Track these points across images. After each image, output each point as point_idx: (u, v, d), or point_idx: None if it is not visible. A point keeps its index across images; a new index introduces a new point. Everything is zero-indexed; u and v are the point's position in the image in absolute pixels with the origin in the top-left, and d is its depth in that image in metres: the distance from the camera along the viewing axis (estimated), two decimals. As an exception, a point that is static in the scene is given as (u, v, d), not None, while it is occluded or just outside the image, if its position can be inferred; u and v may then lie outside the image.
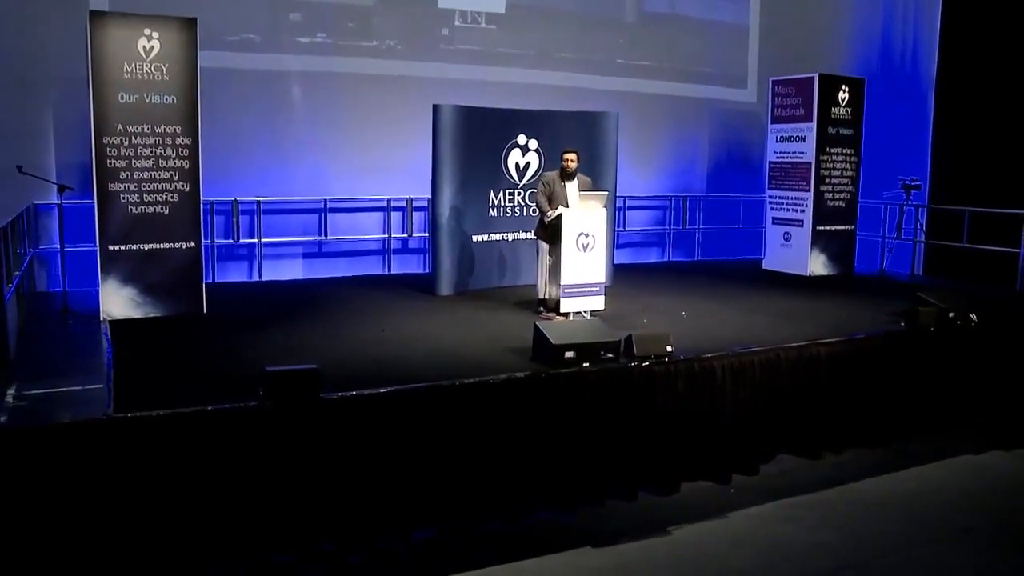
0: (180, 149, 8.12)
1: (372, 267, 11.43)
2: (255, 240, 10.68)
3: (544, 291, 8.41)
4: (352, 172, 11.13)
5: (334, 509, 5.40)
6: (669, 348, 6.55)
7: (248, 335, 7.44)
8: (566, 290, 7.95)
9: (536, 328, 6.47)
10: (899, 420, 7.73)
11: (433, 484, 5.68)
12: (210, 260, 10.37)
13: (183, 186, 8.17)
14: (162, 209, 8.10)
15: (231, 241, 10.58)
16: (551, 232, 8.21)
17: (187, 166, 8.16)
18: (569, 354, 6.20)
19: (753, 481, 6.93)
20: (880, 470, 7.23)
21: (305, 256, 11.15)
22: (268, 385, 5.38)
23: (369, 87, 11.18)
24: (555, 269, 8.13)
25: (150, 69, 7.92)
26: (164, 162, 8.06)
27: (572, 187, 8.32)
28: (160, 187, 8.08)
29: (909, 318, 8.09)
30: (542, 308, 8.40)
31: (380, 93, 11.21)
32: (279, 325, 7.84)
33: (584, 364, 6.22)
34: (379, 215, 11.38)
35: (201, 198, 8.31)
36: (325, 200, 11.00)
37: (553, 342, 6.22)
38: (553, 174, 8.40)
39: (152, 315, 8.08)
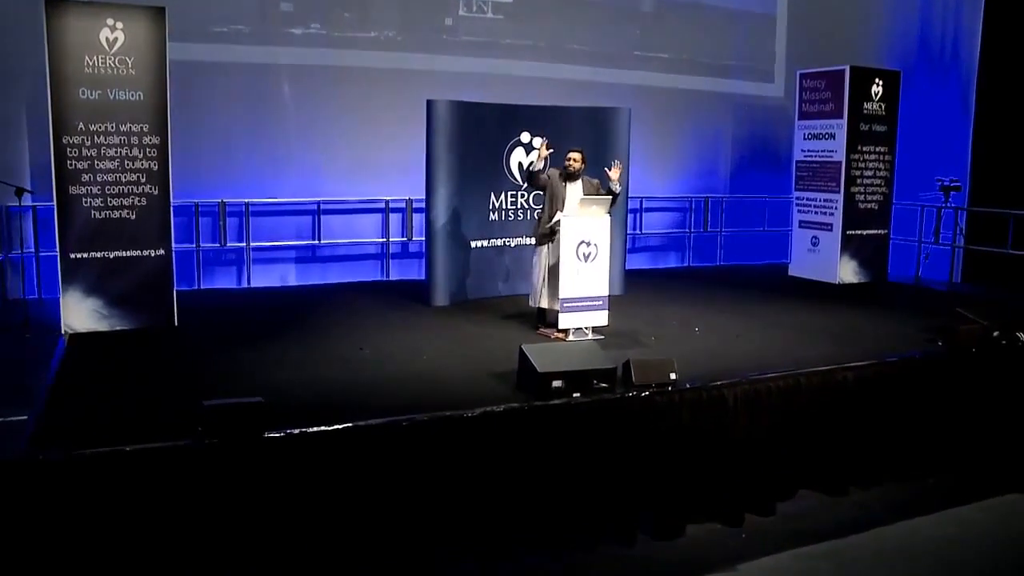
0: (148, 149, 7.50)
1: (370, 272, 10.78)
2: (244, 244, 10.04)
3: (543, 304, 7.67)
4: (348, 172, 10.47)
5: (279, 559, 4.72)
6: (673, 376, 5.80)
7: (215, 353, 6.80)
8: (565, 305, 7.22)
9: (521, 352, 5.74)
10: (936, 453, 6.92)
11: (395, 527, 4.99)
12: (196, 265, 9.78)
13: (151, 189, 7.55)
14: (128, 214, 7.50)
15: (218, 245, 9.95)
16: (549, 238, 7.48)
17: (155, 167, 7.54)
18: (557, 383, 5.47)
19: (769, 523, 6.15)
20: (913, 511, 6.41)
21: (298, 261, 10.51)
22: (206, 422, 4.72)
23: (366, 81, 10.51)
24: (555, 280, 7.40)
25: (114, 63, 7.29)
26: (130, 163, 7.45)
27: (574, 190, 7.59)
28: (126, 190, 7.46)
29: (948, 337, 7.27)
30: (540, 324, 7.67)
31: (378, 87, 10.53)
32: (251, 341, 7.17)
33: (574, 395, 5.49)
34: (377, 217, 10.70)
35: (171, 202, 7.71)
36: (319, 202, 10.35)
37: (539, 370, 5.49)
38: (555, 172, 7.66)
39: (119, 328, 7.47)
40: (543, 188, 7.63)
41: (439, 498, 5.06)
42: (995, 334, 7.30)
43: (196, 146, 9.73)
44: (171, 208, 7.69)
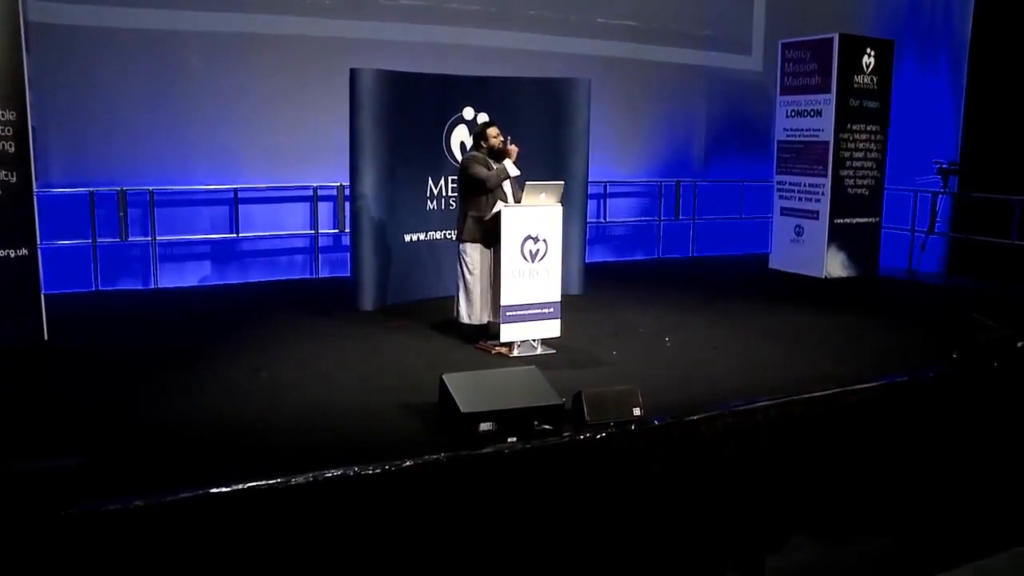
0: (1, 128, 6.16)
1: (297, 269, 9.48)
2: (149, 239, 8.70)
3: (480, 314, 6.41)
4: (269, 155, 9.10)
5: None
6: (636, 411, 4.59)
7: (76, 382, 5.50)
8: (508, 313, 5.99)
9: (442, 384, 4.49)
10: (954, 491, 5.77)
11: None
12: (92, 264, 8.45)
13: (8, 176, 6.25)
14: (-22, 206, 6.17)
15: (118, 240, 8.59)
16: (489, 234, 6.22)
17: (12, 150, 6.23)
18: (486, 426, 4.24)
19: (756, 586, 4.98)
20: (929, 565, 5.24)
21: (214, 257, 9.17)
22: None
23: (289, 51, 9.14)
24: (498, 285, 6.15)
25: (-52, 19, 5.95)
26: (-22, 146, 6.12)
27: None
28: (-26, 178, 6.14)
29: (964, 349, 6.12)
30: (481, 336, 6.42)
31: (303, 58, 9.17)
32: (128, 364, 5.88)
33: (509, 439, 4.26)
34: (304, 206, 9.39)
35: (35, 190, 6.41)
36: (235, 189, 9.00)
37: (462, 409, 4.25)
38: (481, 155, 6.42)
39: (-28, 345, 6.15)
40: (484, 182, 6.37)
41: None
42: (1020, 344, 6.16)
43: (90, 126, 8.45)
44: (35, 199, 6.40)
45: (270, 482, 3.74)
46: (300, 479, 3.76)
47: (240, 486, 3.69)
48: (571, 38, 10.52)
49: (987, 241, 10.14)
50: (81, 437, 4.36)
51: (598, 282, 8.91)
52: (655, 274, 10.25)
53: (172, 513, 3.55)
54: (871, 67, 9.77)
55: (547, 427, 4.37)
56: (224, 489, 3.65)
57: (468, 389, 4.39)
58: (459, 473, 4.08)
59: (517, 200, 6.23)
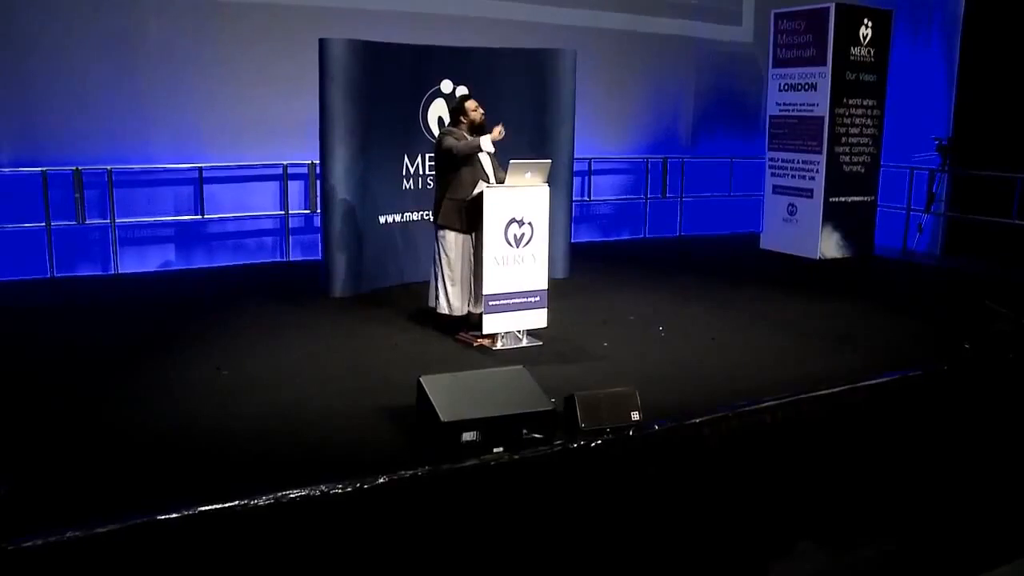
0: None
1: (267, 252, 8.99)
2: (107, 221, 8.18)
3: (459, 305, 5.97)
4: (236, 131, 8.60)
5: None
6: (635, 415, 4.16)
7: (18, 378, 5.00)
8: (490, 303, 5.54)
9: (420, 387, 4.04)
10: (968, 492, 5.42)
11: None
12: (47, 249, 7.95)
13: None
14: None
15: (75, 223, 8.06)
16: (471, 218, 5.77)
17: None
18: (469, 436, 3.80)
19: (761, 600, 4.62)
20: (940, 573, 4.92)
21: (179, 241, 8.66)
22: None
23: (257, 19, 8.61)
24: (480, 272, 5.71)
25: None
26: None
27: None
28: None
29: (976, 338, 5.76)
30: (463, 326, 5.97)
31: (272, 27, 8.64)
32: (75, 361, 5.37)
33: (495, 450, 3.83)
34: (273, 186, 8.88)
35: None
36: (200, 168, 8.48)
37: (442, 418, 3.80)
38: (459, 131, 5.95)
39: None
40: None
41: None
42: (1036, 333, 5.81)
43: (42, 101, 7.92)
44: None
45: (227, 505, 3.30)
46: (260, 501, 3.32)
47: (191, 511, 3.25)
48: (554, 7, 10.01)
49: (984, 220, 9.77)
50: (14, 448, 3.90)
51: (583, 264, 8.50)
52: (643, 255, 9.83)
53: (112, 546, 3.11)
54: (868, 39, 9.34)
55: (537, 435, 3.94)
56: (173, 515, 3.21)
57: (449, 393, 3.94)
58: (439, 490, 3.66)
59: (500, 180, 5.79)
